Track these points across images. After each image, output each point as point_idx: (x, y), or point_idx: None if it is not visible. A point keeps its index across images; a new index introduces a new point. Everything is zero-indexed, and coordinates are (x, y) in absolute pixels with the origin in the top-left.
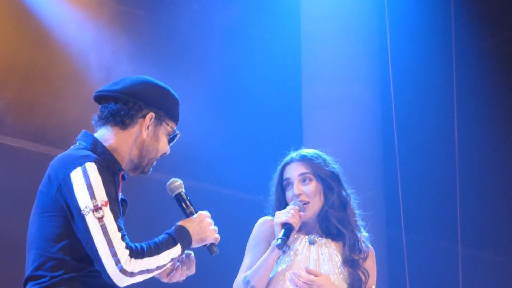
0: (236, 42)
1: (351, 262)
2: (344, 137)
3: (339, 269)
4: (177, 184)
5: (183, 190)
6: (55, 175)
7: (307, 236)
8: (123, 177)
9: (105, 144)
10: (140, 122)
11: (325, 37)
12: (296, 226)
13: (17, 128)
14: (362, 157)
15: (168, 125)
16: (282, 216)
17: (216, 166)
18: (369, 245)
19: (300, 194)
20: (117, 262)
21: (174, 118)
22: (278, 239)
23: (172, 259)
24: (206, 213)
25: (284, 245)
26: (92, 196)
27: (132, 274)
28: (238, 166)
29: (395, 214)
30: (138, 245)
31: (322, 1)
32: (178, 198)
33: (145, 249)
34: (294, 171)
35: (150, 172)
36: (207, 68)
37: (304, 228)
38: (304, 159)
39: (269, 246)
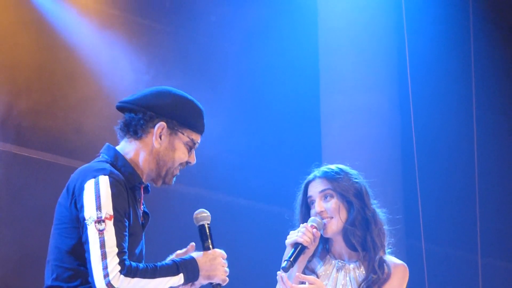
0: (254, 54)
1: (367, 283)
2: (363, 146)
3: None
4: (204, 215)
5: (208, 223)
6: (72, 186)
7: (335, 261)
8: (146, 190)
9: (126, 156)
10: (152, 132)
11: (343, 47)
12: (309, 245)
13: (35, 139)
14: (380, 166)
15: (183, 134)
16: (293, 236)
17: (234, 176)
18: (396, 262)
19: (321, 211)
20: (106, 275)
21: (191, 127)
22: (283, 261)
23: None
24: (221, 252)
25: (289, 267)
26: (98, 207)
27: None
28: (257, 175)
29: (414, 224)
30: (134, 264)
31: (339, 10)
32: (201, 229)
33: (140, 269)
34: (316, 188)
35: (173, 182)
36: (225, 79)
37: (333, 247)
38: (325, 175)
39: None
